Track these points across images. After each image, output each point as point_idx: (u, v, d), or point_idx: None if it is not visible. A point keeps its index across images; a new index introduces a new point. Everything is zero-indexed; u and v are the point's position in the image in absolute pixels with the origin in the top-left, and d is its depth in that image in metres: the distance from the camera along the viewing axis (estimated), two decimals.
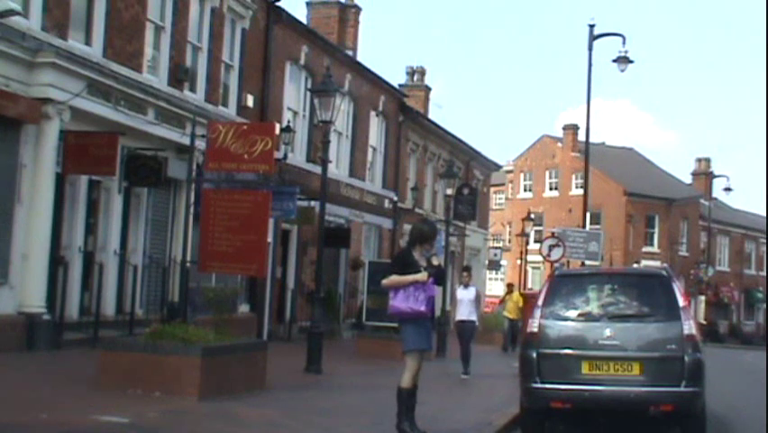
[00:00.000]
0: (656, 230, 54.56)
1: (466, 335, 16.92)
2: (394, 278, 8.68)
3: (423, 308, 8.53)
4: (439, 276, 8.80)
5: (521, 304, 25.68)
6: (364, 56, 53.95)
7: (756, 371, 22.45)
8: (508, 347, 25.02)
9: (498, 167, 46.96)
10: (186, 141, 15.04)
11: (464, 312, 16.88)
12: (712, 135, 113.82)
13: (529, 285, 43.67)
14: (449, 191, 26.89)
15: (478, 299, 17.29)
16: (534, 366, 9.25)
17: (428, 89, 38.60)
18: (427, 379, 15.34)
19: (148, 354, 10.48)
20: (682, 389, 8.96)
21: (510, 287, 28.37)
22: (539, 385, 9.21)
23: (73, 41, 15.18)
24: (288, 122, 22.76)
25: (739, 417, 12.38)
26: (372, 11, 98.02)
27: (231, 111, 20.52)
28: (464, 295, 17.03)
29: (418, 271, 8.62)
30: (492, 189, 49.57)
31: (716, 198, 57.98)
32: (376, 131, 29.99)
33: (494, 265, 42.58)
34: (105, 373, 10.60)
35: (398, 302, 8.62)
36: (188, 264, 13.18)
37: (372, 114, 29.40)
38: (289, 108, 23.72)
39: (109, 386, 10.29)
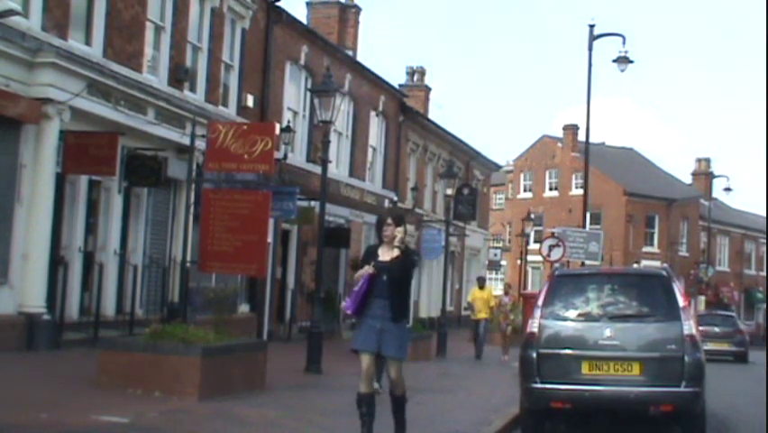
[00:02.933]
0: (656, 230, 54.53)
1: None
2: (356, 275, 8.28)
3: (344, 305, 8.29)
4: (390, 269, 7.89)
5: (492, 303, 22.52)
6: (364, 56, 53.97)
7: (756, 370, 22.45)
8: (480, 351, 21.79)
9: (498, 167, 46.98)
10: (186, 141, 15.04)
11: None
12: (712, 135, 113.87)
13: (529, 286, 43.61)
14: (449, 191, 26.88)
15: None
16: (534, 366, 9.25)
17: (428, 89, 38.63)
18: (426, 379, 15.40)
19: (148, 354, 10.48)
20: (682, 389, 8.96)
21: (481, 281, 24.01)
22: (539, 385, 9.21)
23: (73, 41, 15.18)
24: (288, 122, 22.76)
25: (739, 417, 12.38)
26: (372, 11, 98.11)
27: (231, 111, 20.52)
28: None
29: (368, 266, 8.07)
30: (492, 189, 49.59)
31: (716, 198, 57.96)
32: (376, 131, 29.99)
33: (494, 265, 42.58)
34: (104, 373, 10.59)
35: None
36: (188, 264, 13.19)
37: (372, 114, 29.40)
38: (289, 108, 23.71)
39: (109, 386, 10.29)
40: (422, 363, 18.09)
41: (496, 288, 54.06)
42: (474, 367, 18.43)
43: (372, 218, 29.05)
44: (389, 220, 8.10)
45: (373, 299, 7.88)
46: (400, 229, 8.03)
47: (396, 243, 7.97)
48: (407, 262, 8.01)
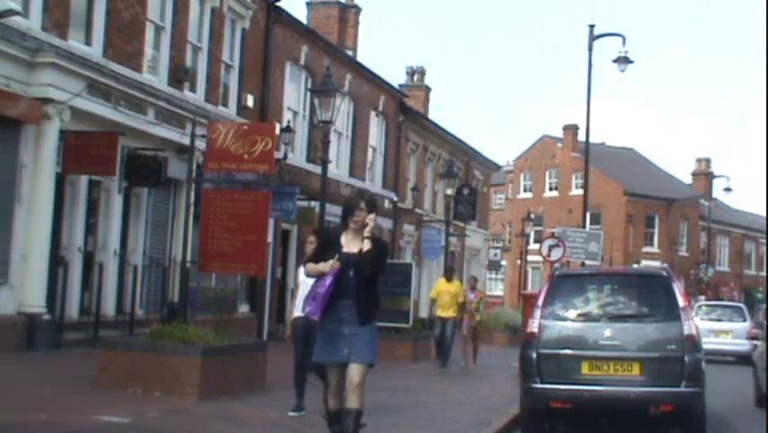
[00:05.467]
0: (656, 230, 54.56)
1: (312, 342, 9.36)
2: (309, 266, 6.93)
3: (308, 309, 6.72)
4: (359, 263, 6.69)
5: (461, 299, 18.52)
6: (364, 56, 53.97)
7: None
8: (445, 358, 18.12)
9: (498, 167, 46.98)
10: (186, 141, 15.04)
11: (304, 306, 9.66)
12: (712, 135, 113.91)
13: (529, 286, 43.61)
14: (449, 191, 26.86)
15: None
16: (534, 366, 9.26)
17: (428, 89, 38.63)
18: (426, 379, 15.41)
19: (148, 354, 10.48)
20: (682, 389, 8.97)
21: (449, 272, 19.70)
22: (539, 385, 9.22)
23: (73, 41, 15.19)
24: (288, 122, 22.77)
25: (739, 417, 12.38)
26: (372, 11, 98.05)
27: (231, 111, 20.53)
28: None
29: (331, 259, 6.74)
30: (492, 189, 49.57)
31: (716, 198, 58.00)
32: (376, 131, 30.00)
33: (494, 265, 42.56)
34: (105, 373, 10.60)
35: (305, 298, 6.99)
36: (188, 264, 13.19)
37: (372, 114, 29.40)
38: (289, 108, 23.72)
39: (109, 386, 10.29)
40: (422, 363, 18.09)
41: (496, 287, 54.56)
42: (475, 367, 18.38)
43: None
44: (362, 204, 6.83)
45: (337, 300, 6.68)
46: (372, 216, 6.80)
47: (367, 232, 6.74)
48: (381, 255, 6.81)
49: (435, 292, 18.89)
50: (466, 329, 18.77)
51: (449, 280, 18.90)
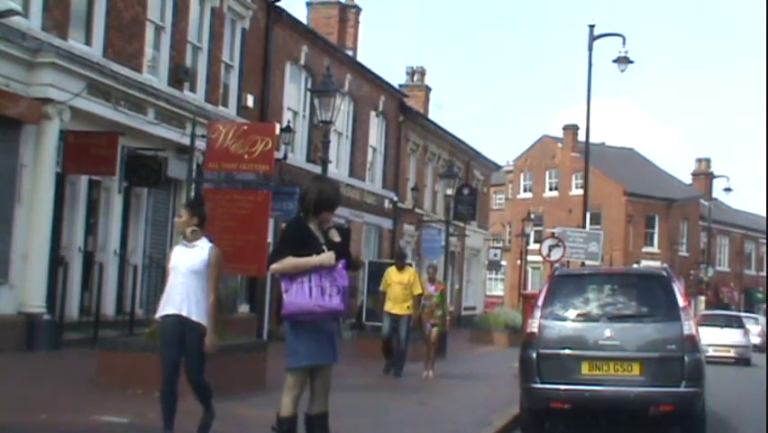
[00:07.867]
0: (656, 230, 54.55)
1: (189, 350, 7.74)
2: (291, 261, 6.09)
3: (340, 306, 6.07)
4: (350, 258, 6.34)
5: (417, 291, 15.21)
6: (364, 56, 54.01)
7: (756, 371, 22.47)
8: (400, 365, 15.33)
9: (498, 167, 47.01)
10: (186, 141, 15.06)
11: (176, 299, 7.42)
12: (712, 135, 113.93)
13: (529, 286, 43.60)
14: (449, 191, 26.84)
15: (212, 269, 7.56)
16: (534, 366, 9.26)
17: (428, 89, 38.67)
18: (426, 379, 15.38)
19: (148, 354, 10.45)
20: (682, 389, 8.97)
21: (400, 259, 15.85)
22: (539, 385, 9.21)
23: (73, 41, 15.20)
24: (288, 122, 22.78)
25: (739, 417, 12.38)
26: (372, 11, 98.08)
27: (231, 111, 20.54)
28: (182, 259, 7.63)
29: (320, 251, 6.14)
30: (492, 189, 49.59)
31: (716, 199, 58.00)
32: (376, 131, 30.02)
33: (494, 265, 42.56)
34: (104, 373, 10.60)
35: (298, 297, 6.05)
36: None
37: (372, 114, 29.42)
38: (289, 108, 23.74)
39: (109, 386, 10.29)
40: (422, 364, 18.08)
41: (496, 287, 54.53)
42: (475, 367, 18.40)
43: (373, 218, 29.15)
44: (340, 199, 6.63)
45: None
46: None
47: (330, 224, 6.39)
48: (347, 249, 6.44)
49: (385, 284, 15.37)
50: (428, 331, 15.93)
51: (400, 268, 15.37)
